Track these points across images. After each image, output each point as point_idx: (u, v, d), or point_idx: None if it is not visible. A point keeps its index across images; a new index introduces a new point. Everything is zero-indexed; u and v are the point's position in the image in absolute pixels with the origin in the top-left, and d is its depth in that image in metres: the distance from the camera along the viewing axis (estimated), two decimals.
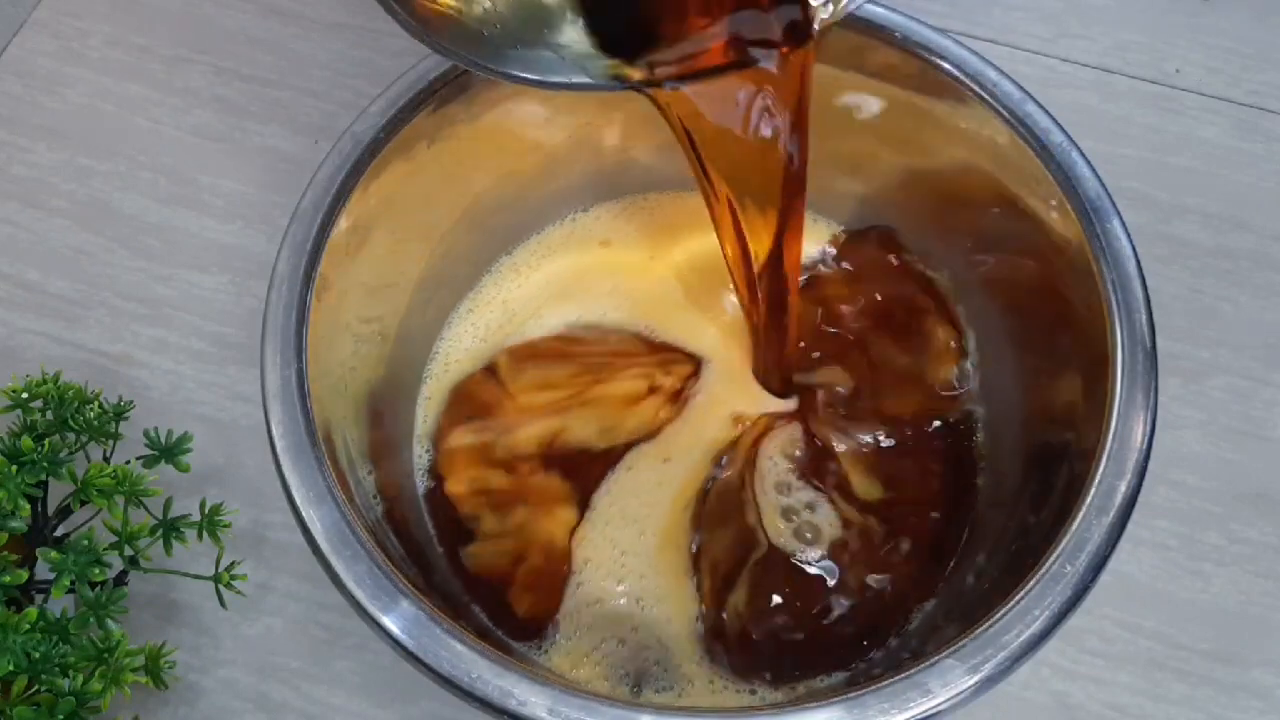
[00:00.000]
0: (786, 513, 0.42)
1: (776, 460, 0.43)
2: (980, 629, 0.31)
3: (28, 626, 0.34)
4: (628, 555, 0.41)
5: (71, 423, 0.39)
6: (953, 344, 0.43)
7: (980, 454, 0.43)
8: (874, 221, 0.47)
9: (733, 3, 0.33)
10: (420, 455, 0.43)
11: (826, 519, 0.42)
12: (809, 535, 0.41)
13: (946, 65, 0.39)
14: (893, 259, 0.46)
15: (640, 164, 0.47)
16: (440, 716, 0.41)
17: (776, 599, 0.40)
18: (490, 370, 0.45)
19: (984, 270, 0.44)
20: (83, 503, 0.38)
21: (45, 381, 0.40)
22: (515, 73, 0.34)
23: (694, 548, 0.41)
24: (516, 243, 0.47)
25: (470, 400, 0.44)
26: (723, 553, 0.41)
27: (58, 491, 0.39)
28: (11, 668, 0.33)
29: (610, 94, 0.43)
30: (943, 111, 0.40)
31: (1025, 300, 0.42)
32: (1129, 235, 0.36)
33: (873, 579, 0.41)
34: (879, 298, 0.45)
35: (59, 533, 0.40)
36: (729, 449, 0.43)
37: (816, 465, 0.42)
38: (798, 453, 0.43)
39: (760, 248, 0.37)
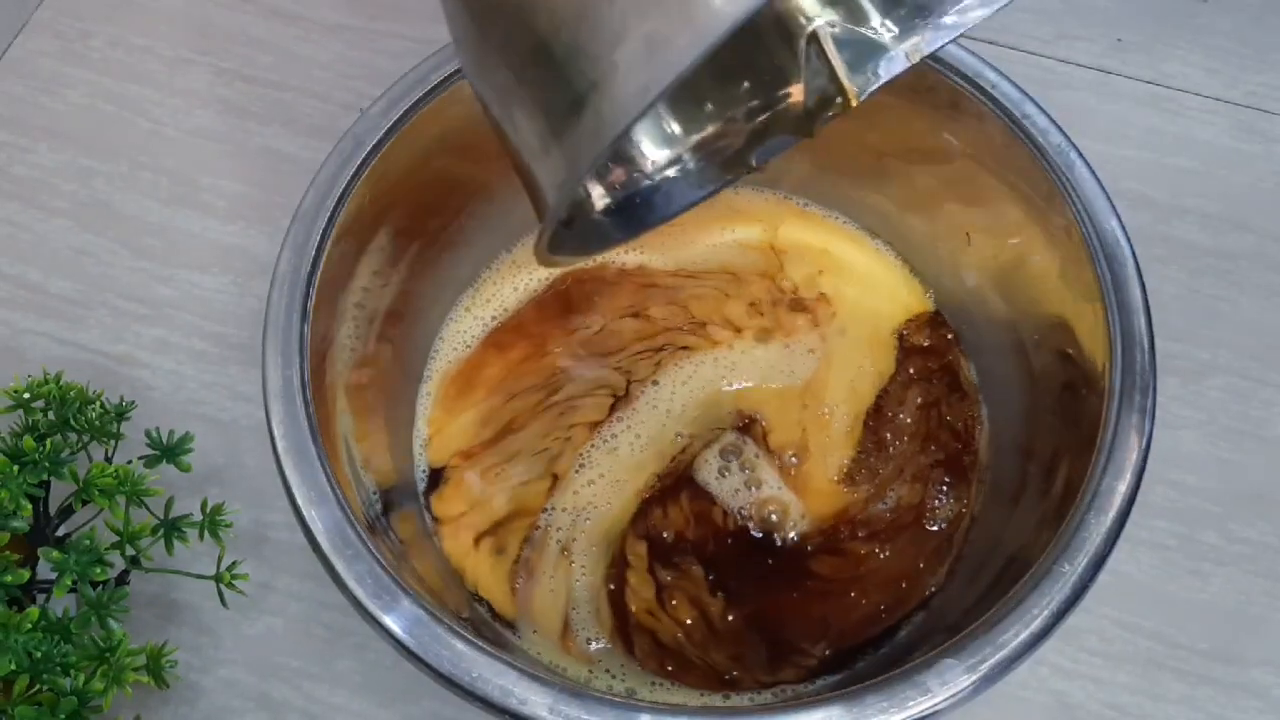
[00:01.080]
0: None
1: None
2: (980, 628, 0.31)
3: (29, 626, 0.34)
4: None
5: (73, 423, 0.39)
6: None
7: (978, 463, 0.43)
8: (870, 220, 0.47)
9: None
10: (419, 450, 0.43)
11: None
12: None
13: (945, 66, 0.39)
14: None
15: None
16: (441, 716, 0.41)
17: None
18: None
19: (982, 271, 0.44)
20: (84, 502, 0.38)
21: (47, 381, 0.40)
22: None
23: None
24: (516, 240, 0.48)
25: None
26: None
27: (59, 491, 0.39)
28: (13, 667, 0.34)
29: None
30: (941, 112, 0.40)
31: (1024, 300, 0.42)
32: (1128, 235, 0.36)
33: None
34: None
35: (61, 532, 0.40)
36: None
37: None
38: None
39: None
